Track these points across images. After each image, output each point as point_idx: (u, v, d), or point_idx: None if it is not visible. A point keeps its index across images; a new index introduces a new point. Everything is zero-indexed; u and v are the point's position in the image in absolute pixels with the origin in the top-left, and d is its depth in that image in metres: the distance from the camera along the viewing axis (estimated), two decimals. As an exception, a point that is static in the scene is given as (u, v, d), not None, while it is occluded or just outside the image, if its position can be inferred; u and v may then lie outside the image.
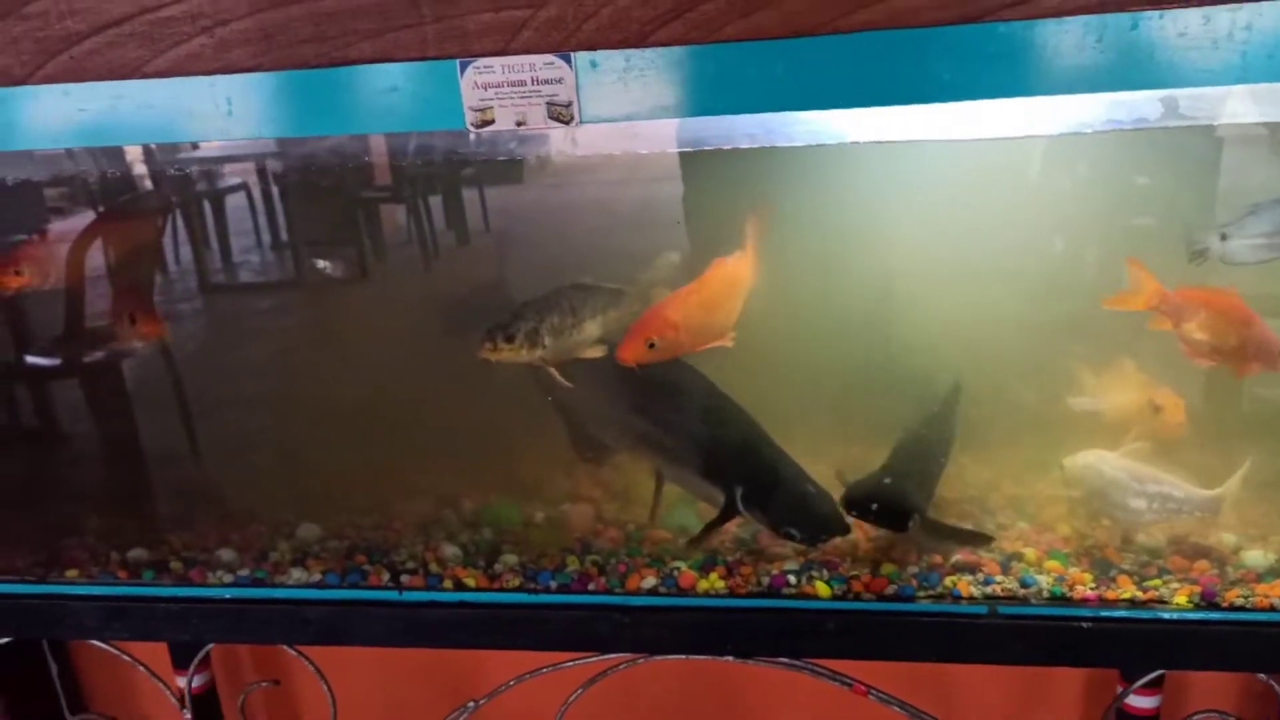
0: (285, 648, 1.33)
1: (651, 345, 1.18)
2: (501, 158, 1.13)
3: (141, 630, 1.31)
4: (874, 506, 1.16)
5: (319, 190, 1.47)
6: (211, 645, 1.53)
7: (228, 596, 1.28)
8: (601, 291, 1.32)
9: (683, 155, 1.26)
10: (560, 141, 1.12)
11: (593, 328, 1.30)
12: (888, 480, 1.20)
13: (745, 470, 1.21)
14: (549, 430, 1.42)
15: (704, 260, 1.27)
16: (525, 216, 1.52)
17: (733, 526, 1.26)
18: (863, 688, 1.29)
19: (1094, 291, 1.27)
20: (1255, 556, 1.19)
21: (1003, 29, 0.92)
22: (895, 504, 1.17)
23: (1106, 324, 1.25)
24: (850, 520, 1.19)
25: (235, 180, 1.52)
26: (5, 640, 1.47)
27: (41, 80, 1.05)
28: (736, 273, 1.26)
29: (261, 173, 1.50)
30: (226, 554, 1.34)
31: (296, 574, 1.30)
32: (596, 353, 1.28)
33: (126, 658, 1.48)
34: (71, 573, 1.34)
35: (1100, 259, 1.32)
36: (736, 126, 1.04)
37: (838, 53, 0.95)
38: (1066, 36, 0.92)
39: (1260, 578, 1.16)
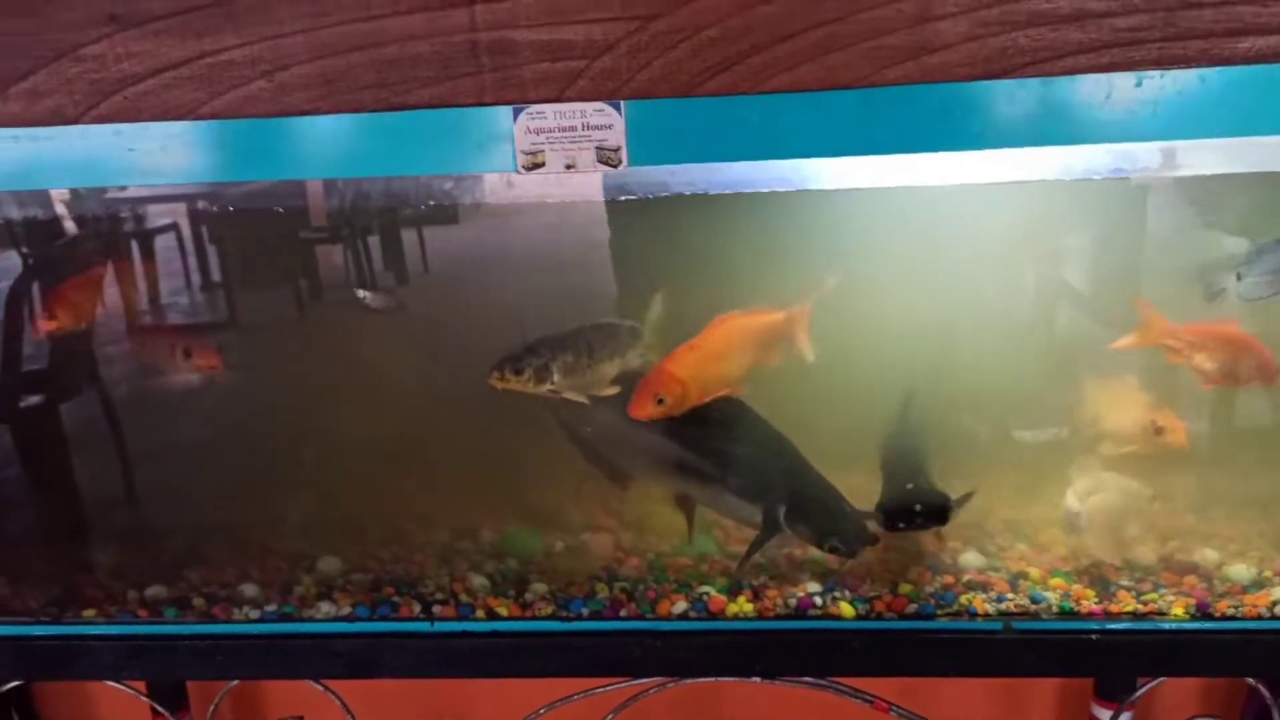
0: (311, 683, 1.33)
1: (660, 401, 1.23)
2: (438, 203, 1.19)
3: (162, 669, 1.30)
4: (917, 508, 1.24)
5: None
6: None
7: (255, 632, 1.28)
8: (622, 331, 1.37)
9: (610, 204, 1.31)
10: (497, 188, 1.19)
11: (609, 368, 1.35)
12: (910, 486, 1.28)
13: (788, 490, 1.27)
14: (563, 459, 1.46)
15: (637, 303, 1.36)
16: (464, 258, 1.55)
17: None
18: (884, 704, 1.35)
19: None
20: (1239, 571, 1.28)
21: (1022, 85, 1.01)
22: (929, 503, 1.25)
23: (1101, 354, 1.35)
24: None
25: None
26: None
27: (93, 120, 1.07)
28: (745, 326, 1.31)
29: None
30: (250, 589, 1.34)
31: (325, 607, 1.30)
32: (611, 390, 1.33)
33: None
34: (89, 612, 1.32)
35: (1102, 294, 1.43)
36: (674, 175, 1.10)
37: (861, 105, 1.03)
38: (1080, 92, 1.01)
39: (1245, 589, 1.25)
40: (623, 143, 1.06)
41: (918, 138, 1.03)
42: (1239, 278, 1.12)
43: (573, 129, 1.06)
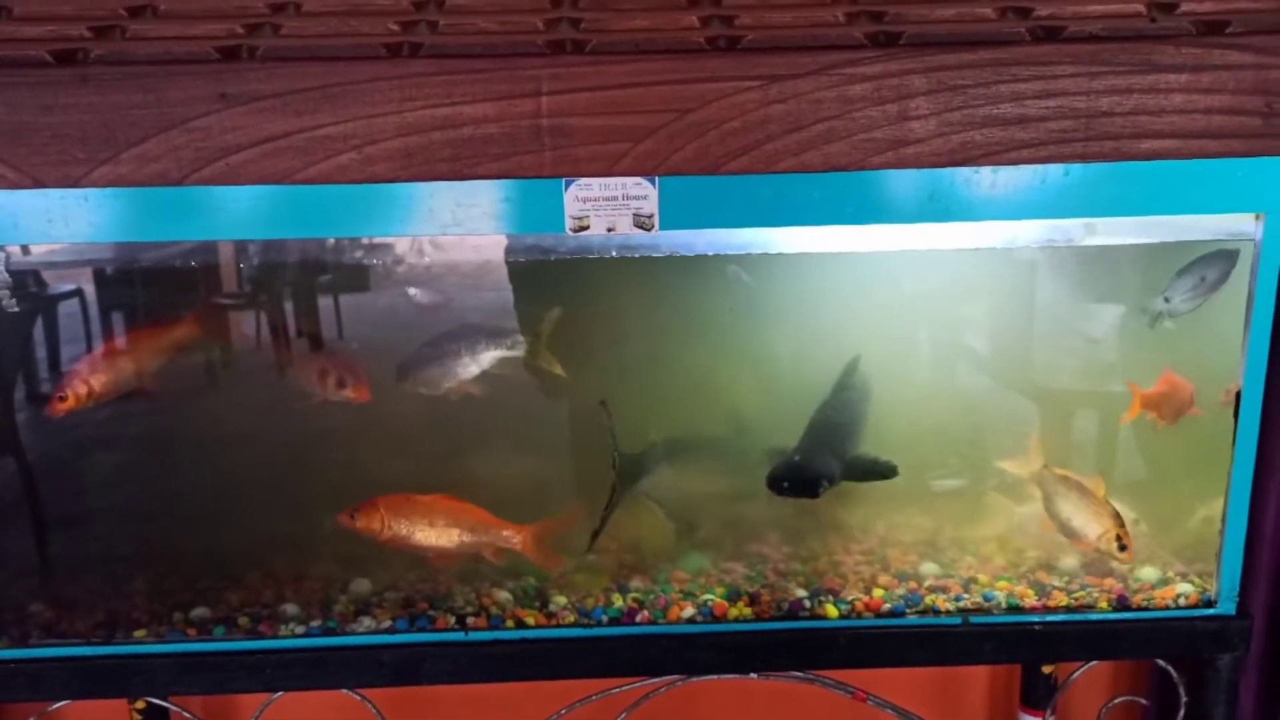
0: (348, 693, 1.45)
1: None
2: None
3: (214, 684, 1.40)
4: (785, 484, 1.44)
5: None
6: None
7: (303, 645, 1.40)
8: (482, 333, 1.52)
9: (512, 266, 1.49)
10: (410, 252, 1.40)
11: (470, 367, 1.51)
12: (796, 458, 1.49)
13: None
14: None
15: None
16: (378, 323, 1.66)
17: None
18: (862, 695, 1.55)
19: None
20: (1148, 572, 1.54)
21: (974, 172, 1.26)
22: (799, 478, 1.45)
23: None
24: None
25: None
26: None
27: (195, 182, 1.22)
28: None
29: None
30: (291, 608, 1.46)
31: (366, 622, 1.44)
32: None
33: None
34: (140, 632, 1.42)
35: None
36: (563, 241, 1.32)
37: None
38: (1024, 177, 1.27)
39: (1154, 586, 1.50)
40: (656, 210, 1.27)
41: (895, 211, 1.27)
42: (1166, 300, 1.40)
43: (614, 198, 1.27)
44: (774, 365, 1.67)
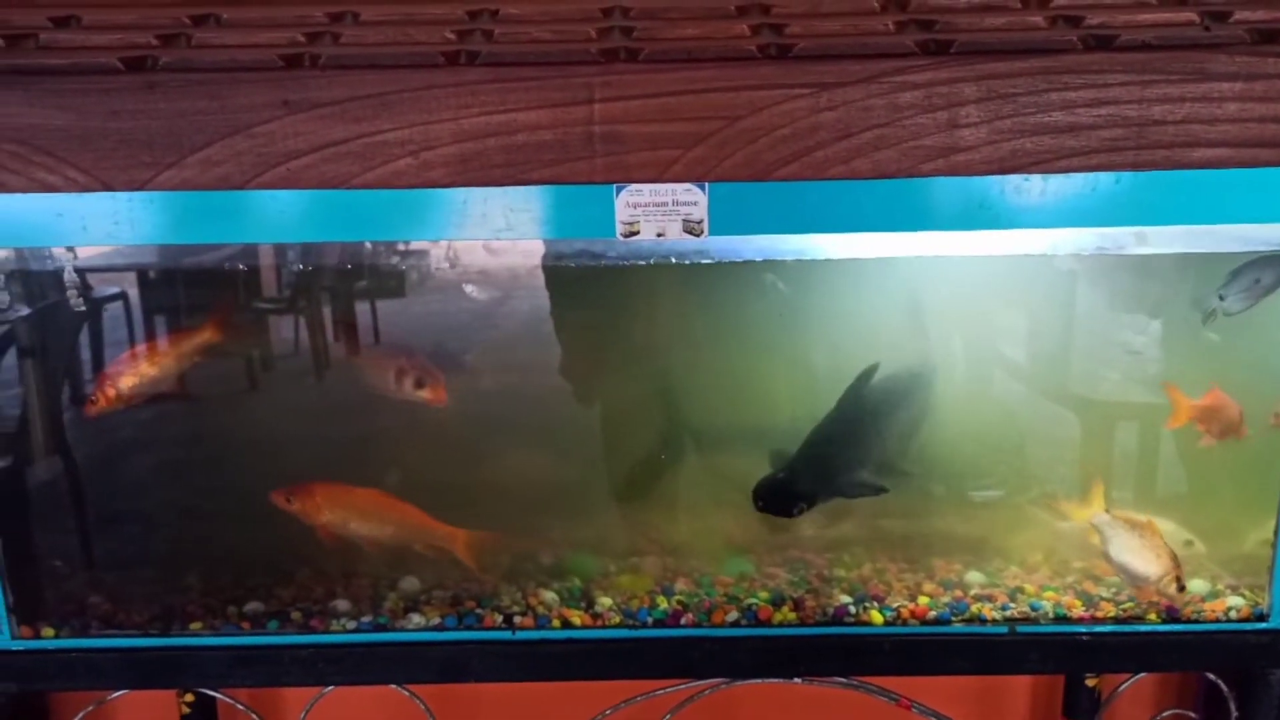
0: (397, 689, 1.47)
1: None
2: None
3: (266, 677, 1.43)
4: (759, 503, 1.42)
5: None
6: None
7: (354, 641, 1.43)
8: None
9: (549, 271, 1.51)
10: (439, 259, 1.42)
11: None
12: (781, 475, 1.45)
13: None
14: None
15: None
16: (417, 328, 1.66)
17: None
18: (907, 702, 1.54)
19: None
20: (1198, 585, 1.52)
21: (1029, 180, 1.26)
22: (772, 497, 1.42)
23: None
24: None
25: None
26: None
27: (257, 186, 1.25)
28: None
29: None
30: (343, 604, 1.49)
31: (416, 619, 1.46)
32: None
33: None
34: (195, 625, 1.46)
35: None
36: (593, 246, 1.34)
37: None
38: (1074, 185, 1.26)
39: (1204, 599, 1.49)
40: (705, 216, 1.28)
41: (945, 218, 1.28)
42: (1221, 298, 1.39)
43: (664, 204, 1.28)
44: (813, 370, 1.67)
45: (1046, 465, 1.70)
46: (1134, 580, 1.47)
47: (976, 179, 1.25)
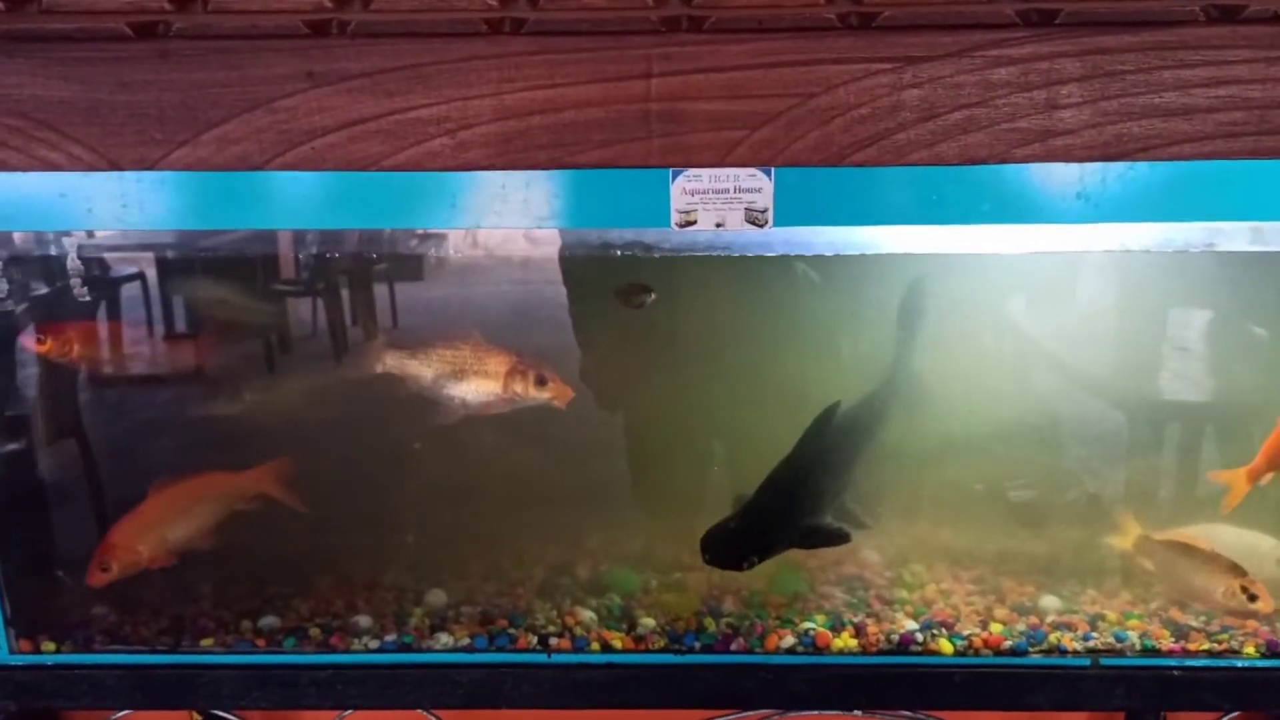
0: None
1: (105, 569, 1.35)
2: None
3: (283, 699, 1.32)
4: (705, 555, 1.24)
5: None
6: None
7: (377, 662, 1.32)
8: None
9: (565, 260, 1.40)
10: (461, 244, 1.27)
11: None
12: (731, 525, 1.27)
13: None
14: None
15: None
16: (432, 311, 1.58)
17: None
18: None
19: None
20: (1299, 614, 1.39)
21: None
22: (718, 551, 1.25)
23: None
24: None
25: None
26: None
27: (278, 167, 1.14)
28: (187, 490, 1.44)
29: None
30: (364, 619, 1.38)
31: (444, 639, 1.35)
32: None
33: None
34: (207, 641, 1.35)
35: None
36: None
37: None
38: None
39: (1307, 631, 1.36)
40: (770, 205, 1.16)
41: (1038, 209, 1.15)
42: None
43: (725, 191, 1.16)
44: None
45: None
46: (1196, 599, 1.38)
47: (1073, 165, 1.12)
